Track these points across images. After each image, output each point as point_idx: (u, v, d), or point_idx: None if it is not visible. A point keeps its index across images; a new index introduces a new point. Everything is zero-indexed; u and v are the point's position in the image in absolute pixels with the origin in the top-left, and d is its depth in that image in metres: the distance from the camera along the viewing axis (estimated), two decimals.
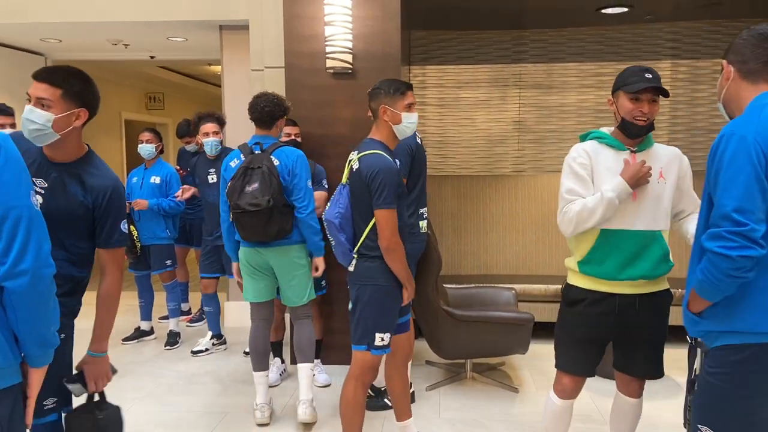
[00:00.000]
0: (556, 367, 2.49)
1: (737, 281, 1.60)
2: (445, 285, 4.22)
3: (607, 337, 2.42)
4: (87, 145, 2.05)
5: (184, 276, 5.30)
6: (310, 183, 3.19)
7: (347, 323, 4.03)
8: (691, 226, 2.37)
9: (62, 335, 1.94)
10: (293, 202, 3.13)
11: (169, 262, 4.67)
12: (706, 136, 4.90)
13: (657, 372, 2.43)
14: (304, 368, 3.28)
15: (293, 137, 3.83)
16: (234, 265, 3.40)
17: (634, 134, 2.28)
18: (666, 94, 2.23)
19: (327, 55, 3.87)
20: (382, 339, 2.58)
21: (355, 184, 2.58)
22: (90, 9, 4.96)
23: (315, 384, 3.80)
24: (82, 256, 1.99)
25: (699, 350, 2.11)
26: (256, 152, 3.15)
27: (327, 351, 4.05)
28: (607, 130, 2.40)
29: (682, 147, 4.84)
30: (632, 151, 2.31)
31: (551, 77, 5.03)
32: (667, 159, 2.34)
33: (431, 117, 5.16)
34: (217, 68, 8.05)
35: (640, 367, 2.44)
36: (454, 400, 3.62)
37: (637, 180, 2.23)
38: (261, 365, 3.32)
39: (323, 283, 3.90)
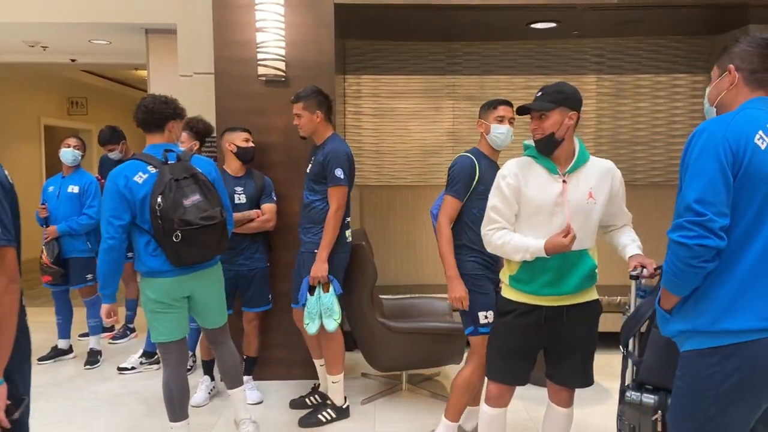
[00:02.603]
0: (485, 375, 2.54)
1: (697, 271, 1.63)
2: (380, 296, 4.18)
3: (535, 347, 2.46)
4: None
5: None
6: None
7: (286, 336, 3.96)
8: (623, 237, 2.45)
9: None
10: None
11: (90, 276, 4.42)
12: (629, 148, 5.11)
13: (586, 381, 2.48)
14: (237, 392, 3.08)
15: (251, 144, 3.63)
16: (108, 307, 2.78)
17: (540, 150, 2.33)
18: (534, 109, 2.29)
19: (259, 62, 3.77)
20: (486, 316, 2.80)
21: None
22: (4, 8, 4.66)
23: (246, 401, 3.68)
24: None
25: (630, 360, 2.17)
26: (171, 162, 2.72)
27: (261, 367, 3.91)
28: None
29: (606, 158, 5.01)
30: (564, 181, 2.31)
31: (483, 89, 5.11)
32: (598, 177, 2.36)
33: (367, 127, 5.14)
34: (144, 73, 7.77)
35: (569, 377, 2.48)
36: (390, 412, 3.58)
37: (557, 251, 2.24)
38: (182, 413, 2.87)
39: (270, 297, 3.79)
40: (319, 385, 3.69)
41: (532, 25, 4.55)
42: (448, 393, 3.85)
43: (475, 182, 2.80)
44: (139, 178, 2.66)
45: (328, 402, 3.44)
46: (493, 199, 2.40)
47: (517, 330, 2.40)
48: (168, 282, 2.72)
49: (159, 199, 2.60)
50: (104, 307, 2.80)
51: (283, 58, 3.80)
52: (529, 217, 2.34)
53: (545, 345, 2.46)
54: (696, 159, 1.65)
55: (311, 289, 3.23)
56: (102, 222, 2.69)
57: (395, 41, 5.05)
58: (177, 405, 2.85)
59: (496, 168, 2.87)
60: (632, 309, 2.32)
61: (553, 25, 4.53)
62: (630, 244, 2.40)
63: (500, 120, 2.85)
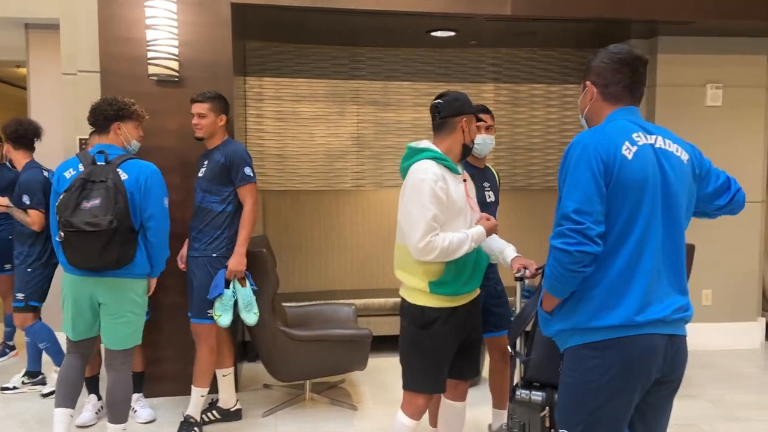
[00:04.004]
0: (409, 389, 2.44)
1: (577, 275, 1.72)
2: (283, 303, 4.09)
3: (454, 348, 2.47)
4: None
5: None
6: (167, 202, 2.89)
7: (179, 350, 3.77)
8: (495, 243, 2.55)
9: None
10: (144, 224, 2.78)
11: None
12: (525, 154, 5.31)
13: (478, 370, 2.60)
14: (116, 430, 2.87)
15: None
16: None
17: (467, 154, 2.48)
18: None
19: (149, 61, 3.59)
20: None
21: None
22: None
23: (137, 420, 3.48)
24: None
25: (518, 360, 2.23)
26: (99, 163, 2.73)
27: (151, 383, 3.70)
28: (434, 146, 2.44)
29: (504, 165, 5.20)
30: (464, 180, 2.43)
31: (388, 95, 5.14)
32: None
33: (270, 130, 5.02)
34: (24, 70, 7.21)
35: (468, 370, 2.56)
36: (292, 423, 3.50)
37: (492, 231, 2.43)
38: (67, 400, 2.82)
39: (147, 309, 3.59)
40: (218, 399, 3.53)
41: (432, 33, 4.63)
42: (352, 400, 3.82)
43: None
44: (69, 173, 2.77)
45: (191, 420, 3.30)
46: (432, 208, 2.24)
47: (446, 336, 2.39)
48: (69, 278, 2.78)
49: (62, 196, 2.67)
50: None
51: (177, 58, 3.64)
52: (452, 219, 2.33)
53: (459, 344, 2.48)
54: (572, 171, 1.75)
55: (227, 283, 3.24)
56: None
57: (297, 44, 4.97)
58: (64, 388, 2.84)
59: (483, 175, 2.99)
60: (518, 310, 2.40)
61: (452, 33, 4.63)
62: (506, 248, 2.49)
63: (488, 128, 2.99)
